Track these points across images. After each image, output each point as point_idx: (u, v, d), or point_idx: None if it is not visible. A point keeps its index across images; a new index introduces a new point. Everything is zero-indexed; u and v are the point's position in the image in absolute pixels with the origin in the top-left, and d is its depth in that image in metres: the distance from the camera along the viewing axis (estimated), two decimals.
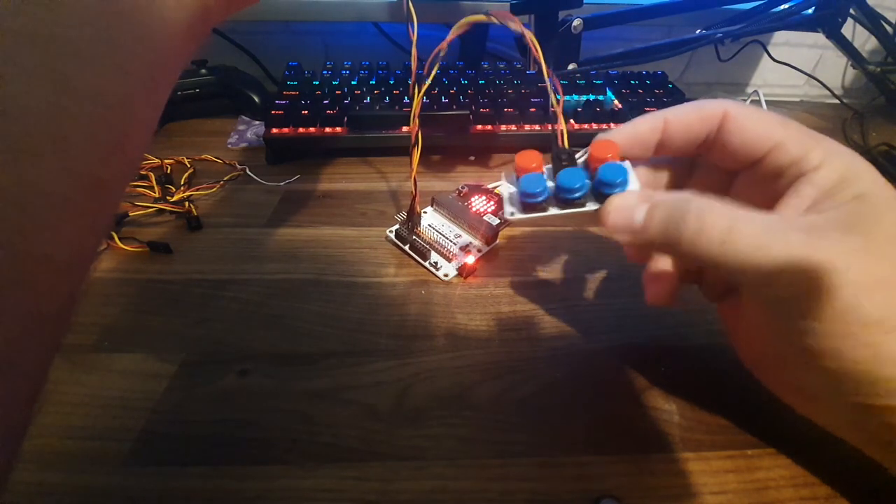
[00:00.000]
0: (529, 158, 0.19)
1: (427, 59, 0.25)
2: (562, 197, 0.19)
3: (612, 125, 0.43)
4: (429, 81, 0.25)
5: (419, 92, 0.26)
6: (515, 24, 0.22)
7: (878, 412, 0.16)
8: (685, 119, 0.19)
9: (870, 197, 0.16)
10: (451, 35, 0.23)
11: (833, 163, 0.17)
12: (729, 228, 0.16)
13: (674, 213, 0.17)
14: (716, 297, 0.22)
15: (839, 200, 0.16)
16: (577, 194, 0.18)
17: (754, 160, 0.18)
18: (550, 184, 0.19)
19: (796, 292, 0.15)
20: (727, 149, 0.19)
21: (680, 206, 0.17)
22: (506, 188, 0.20)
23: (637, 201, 0.18)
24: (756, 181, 0.19)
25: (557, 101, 0.21)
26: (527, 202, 0.19)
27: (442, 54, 0.24)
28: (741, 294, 0.20)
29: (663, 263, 0.22)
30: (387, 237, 0.32)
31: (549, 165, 0.20)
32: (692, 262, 0.19)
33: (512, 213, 0.19)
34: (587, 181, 0.18)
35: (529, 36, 0.21)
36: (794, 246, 0.15)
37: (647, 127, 0.19)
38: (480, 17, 0.22)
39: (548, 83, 0.21)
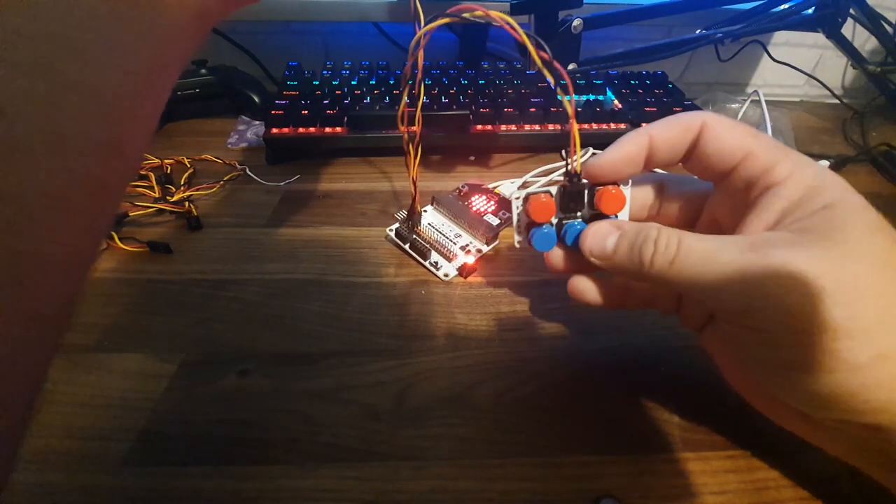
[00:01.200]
0: (542, 210, 0.20)
1: (429, 59, 0.24)
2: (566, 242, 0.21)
3: (612, 125, 0.43)
4: (419, 74, 0.25)
5: (417, 86, 0.25)
6: (517, 32, 0.22)
7: (866, 431, 0.16)
8: (668, 132, 0.19)
9: (838, 205, 0.16)
10: (436, 23, 0.23)
11: (800, 174, 0.17)
12: (677, 247, 0.17)
13: (636, 239, 0.18)
14: (695, 325, 0.22)
15: (808, 211, 0.16)
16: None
17: (728, 169, 0.19)
18: (555, 220, 0.21)
19: (746, 303, 0.16)
20: (704, 159, 0.19)
21: (641, 234, 0.18)
22: (515, 212, 0.21)
23: (610, 229, 0.19)
24: (731, 194, 0.19)
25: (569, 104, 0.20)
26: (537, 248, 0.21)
27: (423, 42, 0.24)
28: (716, 320, 0.20)
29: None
30: (387, 236, 0.32)
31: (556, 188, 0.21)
32: (656, 285, 0.19)
33: (519, 243, 0.22)
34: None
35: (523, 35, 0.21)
36: (740, 258, 0.16)
37: (634, 146, 0.20)
38: (476, 13, 0.22)
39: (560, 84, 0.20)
